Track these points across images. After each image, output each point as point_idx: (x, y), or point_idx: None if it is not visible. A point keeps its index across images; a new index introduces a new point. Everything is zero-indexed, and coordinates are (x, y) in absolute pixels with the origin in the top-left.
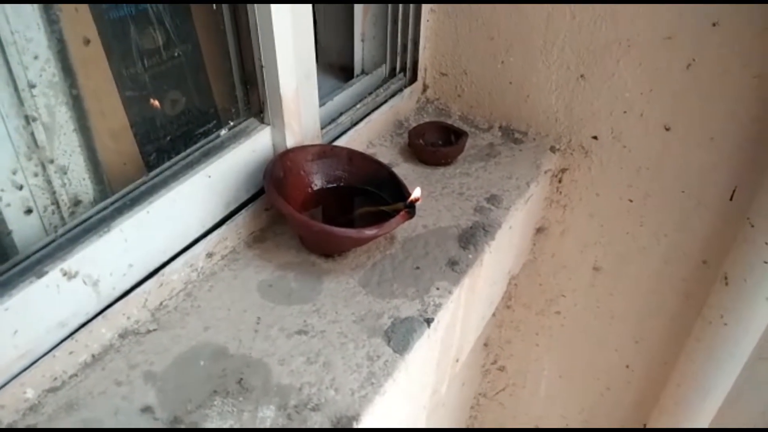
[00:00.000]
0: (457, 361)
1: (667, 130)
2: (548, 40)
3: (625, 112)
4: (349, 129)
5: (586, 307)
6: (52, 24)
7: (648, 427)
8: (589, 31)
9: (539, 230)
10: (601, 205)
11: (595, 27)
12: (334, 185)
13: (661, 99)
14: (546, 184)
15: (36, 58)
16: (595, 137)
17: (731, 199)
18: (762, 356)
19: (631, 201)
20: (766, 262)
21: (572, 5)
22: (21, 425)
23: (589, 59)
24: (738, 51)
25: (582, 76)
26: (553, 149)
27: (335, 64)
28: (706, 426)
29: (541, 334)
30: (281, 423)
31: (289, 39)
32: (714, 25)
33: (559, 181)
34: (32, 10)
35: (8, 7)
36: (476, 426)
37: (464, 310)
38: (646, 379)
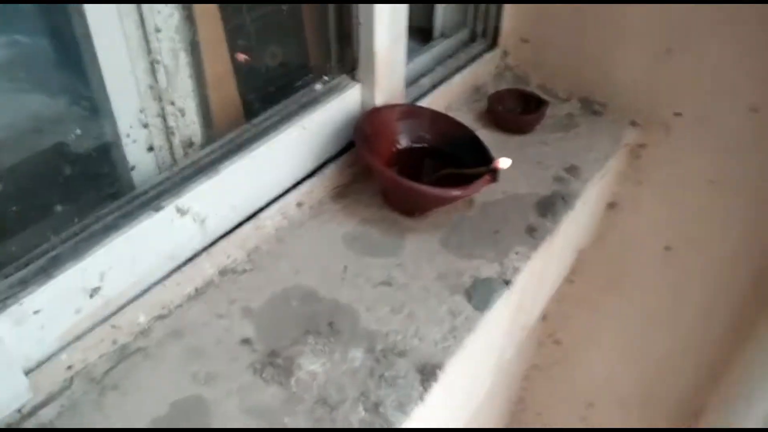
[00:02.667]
0: (524, 327)
1: (755, 111)
2: (635, 11)
3: (712, 90)
4: (429, 91)
5: (652, 288)
6: None
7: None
8: (677, 8)
9: (611, 205)
10: (678, 184)
11: (685, 5)
12: (419, 145)
13: (751, 77)
14: (623, 159)
15: (165, 5)
16: (678, 114)
17: None
18: None
19: (712, 182)
20: None
21: None
22: (132, 348)
23: (677, 33)
24: None
25: (669, 49)
26: (633, 123)
27: (415, 25)
28: (760, 426)
29: (602, 312)
30: (369, 365)
31: None
32: None
33: (637, 157)
34: None
35: None
36: (526, 397)
37: (538, 277)
38: (706, 367)
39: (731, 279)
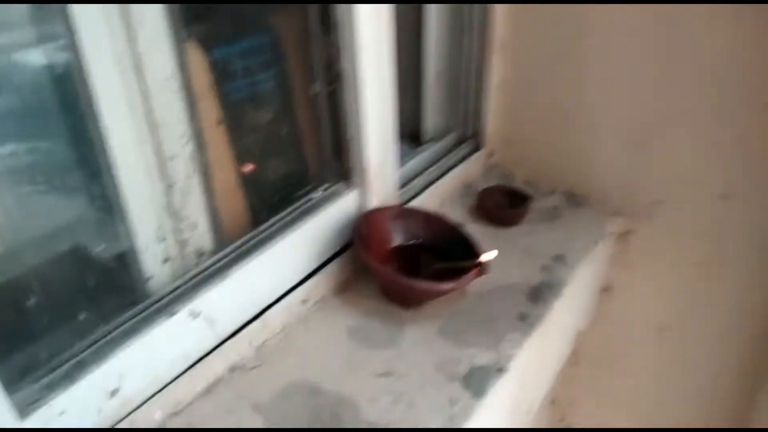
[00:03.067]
0: (528, 413)
1: (726, 197)
2: (607, 113)
3: (683, 180)
4: (421, 191)
5: (653, 367)
6: (192, 108)
7: None
8: (646, 105)
9: (605, 289)
10: (665, 267)
11: (651, 101)
12: (412, 242)
13: (717, 169)
14: (610, 246)
15: (181, 136)
16: (656, 202)
17: None
18: None
19: (697, 265)
20: None
21: (630, 81)
22: None
23: (646, 130)
24: None
25: (641, 145)
26: (616, 212)
27: (406, 131)
28: None
29: (608, 393)
30: None
31: (375, 116)
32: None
33: (625, 243)
34: (178, 97)
35: (160, 94)
36: None
37: (535, 361)
38: None
39: (725, 354)
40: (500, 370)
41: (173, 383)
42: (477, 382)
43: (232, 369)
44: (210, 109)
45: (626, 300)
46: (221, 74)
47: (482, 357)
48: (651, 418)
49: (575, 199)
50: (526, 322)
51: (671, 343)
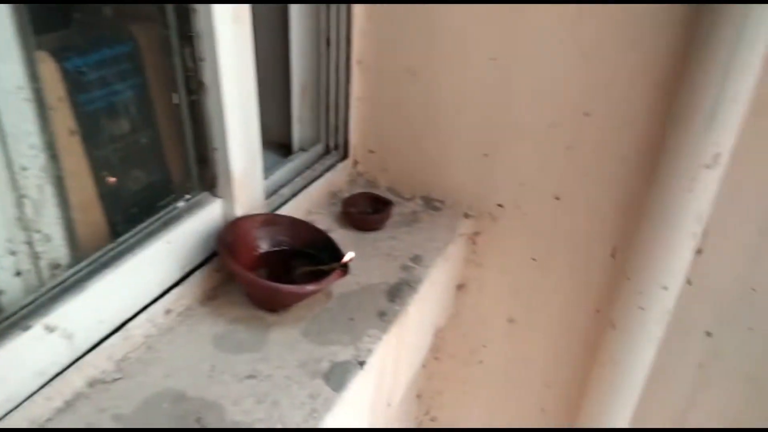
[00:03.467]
0: (389, 405)
1: (557, 199)
2: (457, 126)
3: (522, 184)
4: (289, 199)
5: (504, 355)
6: (44, 119)
7: None
8: (489, 117)
9: (460, 287)
10: (509, 264)
11: (493, 116)
12: (278, 249)
13: (549, 174)
14: (462, 246)
15: (32, 147)
16: (500, 205)
17: (613, 257)
18: (652, 395)
19: (534, 260)
20: (641, 308)
21: (475, 95)
22: None
23: (490, 141)
24: (608, 137)
25: (486, 155)
26: (466, 215)
27: (275, 141)
28: None
29: (467, 384)
30: None
31: (238, 126)
32: (586, 115)
33: (474, 243)
34: (29, 108)
35: (10, 104)
36: None
37: (394, 355)
38: (559, 421)
39: (564, 339)
40: (361, 363)
41: (28, 400)
42: (337, 377)
43: (92, 383)
44: (63, 120)
45: (479, 296)
46: (75, 85)
47: (343, 353)
48: (506, 406)
49: (432, 204)
50: (384, 319)
51: (519, 333)
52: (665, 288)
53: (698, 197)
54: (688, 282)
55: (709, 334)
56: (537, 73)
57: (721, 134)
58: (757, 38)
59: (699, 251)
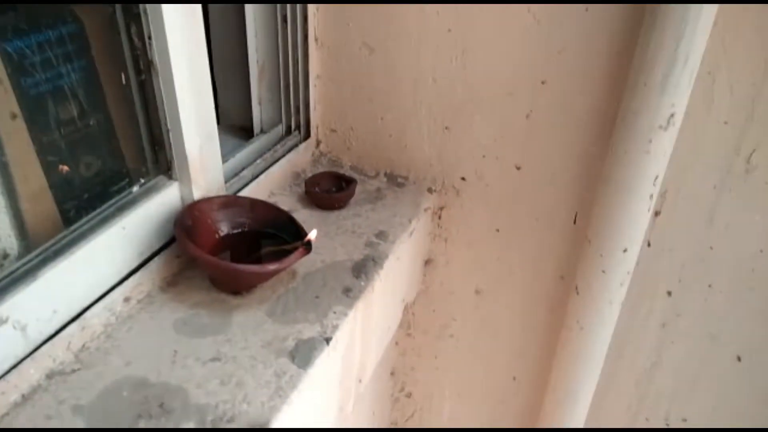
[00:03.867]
0: (360, 381)
1: (518, 169)
2: (417, 100)
3: (483, 156)
4: (251, 181)
5: (474, 327)
6: None
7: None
8: (448, 90)
9: (428, 262)
10: (474, 236)
11: (452, 88)
12: (239, 230)
13: (510, 144)
14: (428, 221)
15: None
16: (463, 178)
17: (575, 223)
18: (618, 356)
19: (498, 231)
20: (603, 271)
21: (433, 72)
22: None
23: (450, 114)
24: (563, 102)
25: (447, 128)
26: (430, 190)
27: (236, 124)
28: (581, 426)
29: (439, 358)
30: None
31: (191, 106)
32: (543, 83)
33: (439, 218)
34: None
35: None
36: None
37: (361, 331)
38: (530, 388)
39: (531, 307)
40: (327, 340)
41: None
42: (303, 354)
43: (50, 375)
44: (3, 103)
45: (447, 270)
46: (16, 67)
47: (308, 331)
48: (480, 378)
49: (396, 180)
50: (350, 295)
51: (487, 305)
52: (625, 250)
53: (654, 159)
54: (648, 244)
55: (669, 293)
56: (493, 43)
57: (674, 96)
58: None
59: (657, 213)
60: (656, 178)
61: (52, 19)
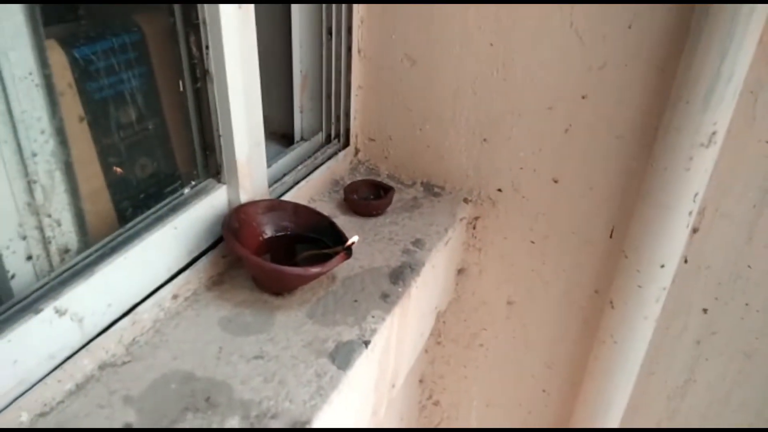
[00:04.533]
0: (393, 386)
1: (556, 182)
2: (456, 112)
3: (521, 168)
4: (292, 187)
5: (504, 338)
6: (54, 105)
7: None
8: (487, 103)
9: (460, 271)
10: (509, 247)
11: (492, 101)
12: (282, 234)
13: (548, 157)
14: (462, 230)
15: (42, 132)
16: (499, 190)
17: (611, 237)
18: (651, 371)
19: (533, 242)
20: (639, 287)
21: (474, 85)
22: None
23: (489, 126)
24: (603, 117)
25: (485, 139)
26: (466, 200)
27: (277, 131)
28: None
29: (468, 367)
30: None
31: (242, 114)
32: (583, 97)
33: (474, 228)
34: (39, 93)
35: (20, 90)
36: None
37: (397, 336)
38: (560, 401)
39: (564, 319)
40: (365, 343)
41: (40, 383)
42: (343, 355)
43: (102, 366)
44: (72, 107)
45: (479, 280)
46: (83, 72)
47: (347, 333)
48: (509, 389)
49: (432, 190)
50: (387, 300)
51: (519, 316)
52: (662, 266)
53: (695, 176)
54: (685, 260)
55: (705, 311)
56: (534, 57)
57: (717, 113)
58: (752, 18)
59: (695, 230)
60: (696, 195)
61: (116, 27)
